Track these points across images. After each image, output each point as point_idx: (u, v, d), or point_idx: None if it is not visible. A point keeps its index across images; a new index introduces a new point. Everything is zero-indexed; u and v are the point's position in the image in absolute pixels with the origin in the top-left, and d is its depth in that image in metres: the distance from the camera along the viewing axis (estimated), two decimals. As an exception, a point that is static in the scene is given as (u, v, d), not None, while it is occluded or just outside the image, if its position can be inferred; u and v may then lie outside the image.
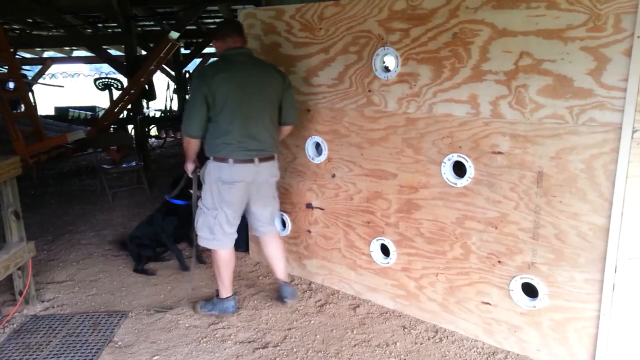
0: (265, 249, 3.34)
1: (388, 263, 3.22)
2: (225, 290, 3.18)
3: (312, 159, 3.50)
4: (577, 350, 2.54)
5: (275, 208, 3.29)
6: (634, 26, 2.14)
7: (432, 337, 2.92)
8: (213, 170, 2.96)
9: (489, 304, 2.81)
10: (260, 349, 2.83)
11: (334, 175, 3.40)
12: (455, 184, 2.82)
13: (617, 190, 2.28)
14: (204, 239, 3.10)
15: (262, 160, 2.98)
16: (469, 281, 2.88)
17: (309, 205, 3.59)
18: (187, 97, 3.62)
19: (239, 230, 4.26)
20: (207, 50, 11.89)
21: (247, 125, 2.91)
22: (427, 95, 2.85)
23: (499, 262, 2.73)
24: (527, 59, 2.45)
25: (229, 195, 2.97)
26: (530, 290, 2.66)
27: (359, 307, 3.29)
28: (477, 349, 2.80)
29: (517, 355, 2.72)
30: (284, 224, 3.79)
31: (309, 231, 3.64)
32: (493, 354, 2.75)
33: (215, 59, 3.11)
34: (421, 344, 2.87)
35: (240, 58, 2.97)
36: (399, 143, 3.03)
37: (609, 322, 2.40)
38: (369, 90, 3.10)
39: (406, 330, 3.00)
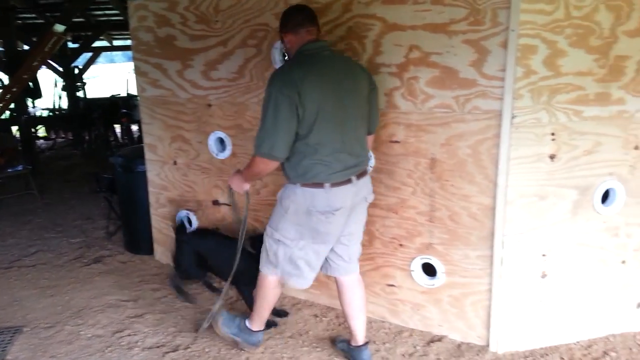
0: (345, 296, 2.61)
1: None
2: (260, 324, 2.71)
3: (217, 154, 3.43)
4: (474, 322, 2.75)
5: (361, 239, 2.66)
6: (508, 20, 2.33)
7: (343, 323, 3.00)
8: (302, 199, 2.35)
9: (394, 286, 2.95)
10: (171, 353, 2.75)
11: (239, 171, 3.36)
12: (358, 173, 2.91)
13: (500, 172, 2.49)
14: (287, 272, 2.53)
15: (359, 176, 2.42)
16: (374, 266, 2.99)
17: (216, 202, 3.53)
18: (268, 108, 2.27)
19: (141, 231, 4.10)
20: (98, 43, 11.21)
21: (343, 139, 2.33)
22: (326, 88, 2.90)
23: (401, 245, 2.87)
24: (417, 52, 2.59)
25: (327, 226, 2.38)
26: (429, 270, 2.83)
27: (270, 300, 3.29)
28: (385, 329, 2.93)
29: (421, 332, 2.88)
30: (189, 222, 3.70)
31: (217, 228, 3.57)
32: (399, 332, 2.89)
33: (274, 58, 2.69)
34: (332, 330, 2.94)
35: (325, 53, 2.37)
36: (302, 135, 3.06)
37: (500, 294, 2.62)
38: (270, 84, 3.09)
39: (318, 318, 3.06)
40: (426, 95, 2.62)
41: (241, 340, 2.72)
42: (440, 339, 2.80)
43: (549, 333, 2.73)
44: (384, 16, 2.63)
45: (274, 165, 2.33)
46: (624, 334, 2.80)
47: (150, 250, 4.02)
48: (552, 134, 2.47)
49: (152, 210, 3.91)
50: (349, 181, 2.36)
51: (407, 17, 2.57)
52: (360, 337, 2.59)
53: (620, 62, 2.49)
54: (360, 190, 2.43)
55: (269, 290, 2.59)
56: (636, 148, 2.61)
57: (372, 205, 2.88)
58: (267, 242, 2.53)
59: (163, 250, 3.92)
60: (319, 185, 2.31)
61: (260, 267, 2.60)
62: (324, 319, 3.06)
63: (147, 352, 2.77)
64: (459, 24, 2.45)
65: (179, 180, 3.68)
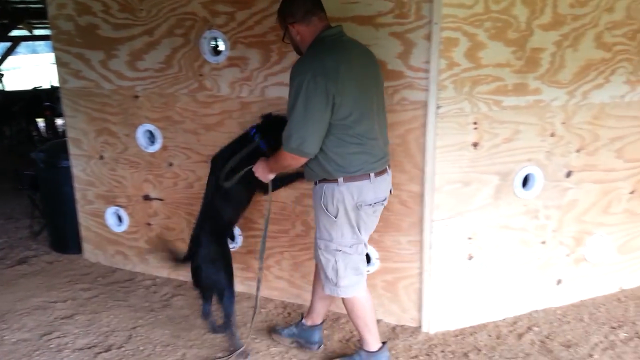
0: None
1: (234, 247, 3.23)
2: (376, 340, 2.44)
3: (146, 148, 3.33)
4: (407, 306, 2.85)
5: None
6: (431, 13, 2.41)
7: (281, 313, 3.03)
8: (349, 196, 2.18)
9: (330, 275, 2.99)
10: (103, 353, 2.67)
11: (171, 164, 3.29)
12: (292, 164, 2.92)
13: (427, 160, 2.58)
14: (350, 287, 2.32)
15: (389, 167, 2.34)
16: (310, 255, 3.01)
17: (147, 197, 3.43)
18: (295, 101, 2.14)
19: (68, 230, 3.92)
20: (16, 32, 10.51)
21: (375, 126, 2.22)
22: (258, 79, 2.89)
23: (336, 234, 2.91)
24: (346, 43, 2.61)
25: (373, 220, 2.30)
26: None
27: (207, 294, 3.26)
28: (322, 317, 2.98)
29: (357, 317, 2.95)
30: (120, 219, 3.58)
31: (149, 224, 3.48)
32: (337, 319, 2.95)
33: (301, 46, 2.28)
34: (271, 321, 2.96)
35: (344, 39, 2.22)
36: (236, 127, 3.02)
37: (430, 277, 2.73)
38: (200, 75, 3.03)
39: (255, 310, 3.06)
40: (356, 86, 2.66)
41: None
42: (378, 322, 2.88)
43: (477, 312, 2.87)
44: (313, 7, 2.64)
45: (303, 160, 2.18)
46: (546, 310, 2.99)
47: (78, 249, 3.85)
48: (475, 123, 2.58)
49: (79, 208, 3.74)
50: (385, 171, 2.28)
51: (335, 9, 2.58)
52: (377, 342, 2.46)
53: (536, 54, 2.63)
54: (390, 183, 2.35)
55: (361, 306, 2.36)
56: (552, 135, 2.78)
57: (307, 195, 2.92)
58: (322, 257, 2.31)
59: (92, 249, 3.77)
60: (365, 176, 2.19)
61: (335, 293, 2.35)
62: (262, 310, 3.06)
63: (78, 353, 2.68)
64: (386, 17, 2.50)
65: (106, 176, 3.54)
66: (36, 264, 3.78)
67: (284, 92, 2.80)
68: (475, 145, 2.62)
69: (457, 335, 2.77)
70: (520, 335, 2.76)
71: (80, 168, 3.65)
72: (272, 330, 2.81)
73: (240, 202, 2.75)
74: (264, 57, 2.83)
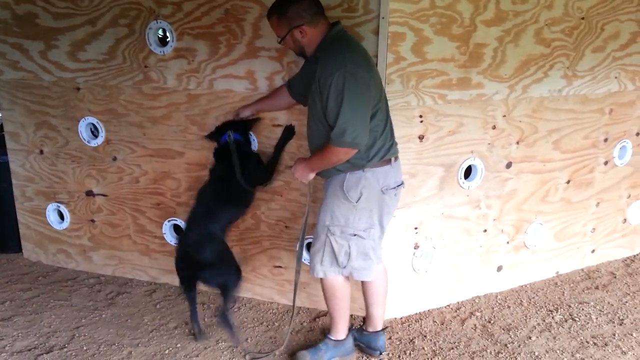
0: (374, 284, 2.53)
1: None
2: (345, 328, 2.52)
3: (88, 142, 3.21)
4: (356, 295, 2.85)
5: None
6: (379, 8, 2.44)
7: (231, 308, 3.01)
8: (374, 182, 2.26)
9: (281, 267, 3.00)
10: (44, 355, 2.57)
11: (115, 158, 3.19)
12: (241, 157, 2.90)
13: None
14: (356, 269, 2.37)
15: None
16: (261, 248, 3.02)
17: (90, 193, 3.31)
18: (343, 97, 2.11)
19: (6, 228, 3.75)
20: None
21: (388, 112, 2.34)
22: (206, 71, 2.84)
23: (286, 227, 2.92)
24: (295, 36, 2.61)
25: (394, 202, 2.37)
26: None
27: (155, 292, 3.19)
28: (273, 310, 2.99)
29: (308, 309, 2.98)
30: (61, 216, 3.44)
31: (92, 220, 3.37)
32: (287, 311, 2.96)
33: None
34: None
35: (349, 34, 2.31)
36: (183, 120, 2.97)
37: (378, 267, 2.78)
38: (146, 66, 2.95)
39: (205, 306, 3.03)
40: (306, 79, 2.66)
41: (339, 357, 2.51)
42: (325, 313, 2.90)
43: (422, 299, 2.96)
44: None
45: (354, 153, 2.17)
46: (487, 295, 3.12)
47: (18, 248, 3.68)
48: (420, 117, 2.65)
49: (18, 205, 3.57)
50: (397, 157, 2.37)
51: (284, 1, 2.58)
52: (380, 323, 2.57)
53: (479, 50, 2.73)
54: None
55: (342, 291, 2.43)
56: (494, 128, 2.89)
57: (258, 188, 2.90)
58: (334, 242, 2.32)
59: (32, 248, 3.61)
60: (387, 161, 2.28)
61: (318, 273, 2.39)
62: (211, 305, 3.03)
63: (17, 356, 2.56)
64: (335, 10, 2.52)
65: (46, 171, 3.39)
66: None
67: (232, 85, 2.80)
68: (421, 138, 2.68)
69: (403, 323, 2.84)
70: (463, 321, 2.87)
71: (18, 163, 3.47)
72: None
73: (247, 202, 2.77)
74: (212, 48, 2.79)
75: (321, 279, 2.42)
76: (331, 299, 2.45)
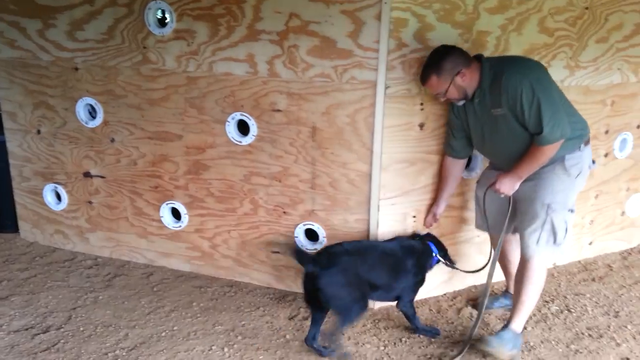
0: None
1: (180, 226, 3.18)
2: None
3: (86, 123, 3.19)
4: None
5: None
6: (382, -8, 2.41)
7: (228, 292, 3.01)
8: (587, 157, 2.46)
9: (278, 253, 3.00)
10: (41, 334, 2.57)
11: (113, 140, 3.17)
12: (241, 142, 2.89)
13: (375, 140, 2.61)
14: (565, 248, 2.50)
15: None
16: (259, 234, 3.02)
17: (87, 174, 3.30)
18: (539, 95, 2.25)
19: (3, 208, 3.74)
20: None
21: None
22: (206, 54, 2.81)
23: (284, 212, 2.91)
24: (296, 20, 2.59)
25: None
26: (312, 235, 2.92)
27: (152, 274, 3.20)
28: (270, 295, 2.99)
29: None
30: (58, 197, 3.43)
31: (90, 202, 3.36)
32: (284, 297, 2.96)
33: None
34: (217, 299, 2.94)
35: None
36: (182, 103, 2.95)
37: (376, 254, 2.78)
38: (144, 47, 2.92)
39: (202, 289, 3.04)
40: (307, 64, 2.64)
41: (516, 351, 2.43)
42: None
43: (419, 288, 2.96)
44: (263, -19, 2.59)
45: (560, 145, 2.31)
46: (483, 285, 3.12)
47: (15, 228, 3.68)
48: (422, 104, 2.63)
49: (15, 185, 3.56)
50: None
51: (287, -16, 2.55)
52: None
53: (482, 37, 2.69)
54: None
55: (545, 275, 2.46)
56: (494, 117, 2.87)
57: (256, 174, 2.90)
58: (555, 219, 2.39)
59: (29, 228, 3.61)
60: (588, 142, 2.49)
61: (531, 254, 2.42)
62: (208, 289, 3.04)
63: (14, 335, 2.57)
64: (337, -6, 2.49)
65: (43, 151, 3.37)
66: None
67: (232, 68, 2.78)
68: (421, 126, 2.67)
69: (399, 311, 2.84)
70: (459, 310, 2.88)
71: (16, 143, 3.45)
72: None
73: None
74: (212, 30, 2.75)
75: (525, 262, 2.44)
76: (529, 285, 2.43)
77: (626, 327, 2.74)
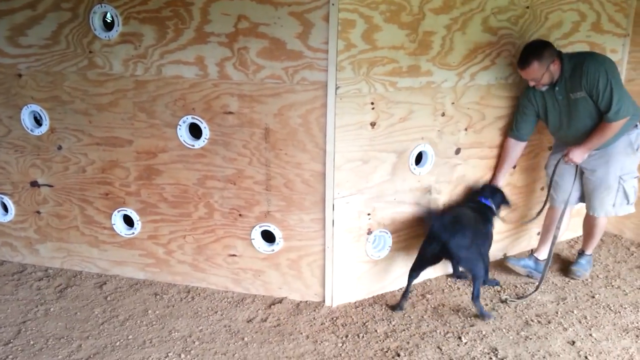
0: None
1: (133, 233, 3.12)
2: None
3: (31, 130, 3.09)
4: (311, 282, 2.92)
5: None
6: (329, -6, 2.44)
7: (185, 298, 2.98)
8: None
9: (235, 256, 2.99)
10: (-12, 352, 2.48)
11: (60, 147, 3.08)
12: (193, 145, 2.86)
13: (328, 139, 2.64)
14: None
15: None
16: (215, 238, 3.00)
17: (35, 184, 3.19)
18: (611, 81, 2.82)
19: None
20: None
21: None
22: (154, 57, 2.78)
23: (240, 215, 2.90)
24: (245, 22, 2.59)
25: None
26: (268, 237, 2.92)
27: (105, 284, 3.12)
28: (228, 298, 2.97)
29: (263, 296, 2.98)
30: (5, 208, 3.30)
31: (38, 212, 3.25)
32: (242, 300, 2.95)
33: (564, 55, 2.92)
34: (173, 306, 2.89)
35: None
36: (131, 107, 2.90)
37: (332, 253, 2.81)
38: (90, 52, 2.86)
39: (158, 296, 2.99)
40: (257, 66, 2.65)
41: (590, 269, 3.30)
42: (280, 300, 2.93)
43: (375, 284, 3.01)
44: (209, -17, 2.58)
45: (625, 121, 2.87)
46: (437, 278, 3.20)
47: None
48: (372, 103, 2.68)
49: (-43, 197, 3.41)
50: None
51: (234, -14, 2.55)
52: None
53: (428, 38, 2.77)
54: None
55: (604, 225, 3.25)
56: (443, 115, 2.95)
57: (210, 177, 2.89)
58: (627, 187, 3.05)
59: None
60: None
61: (609, 213, 3.12)
62: (164, 296, 2.99)
63: (-43, 355, 2.46)
64: (285, -4, 2.50)
65: (-13, 161, 3.25)
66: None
67: (182, 71, 2.75)
68: (373, 124, 2.71)
69: (357, 307, 2.89)
70: (414, 304, 2.94)
71: (-45, 153, 3.31)
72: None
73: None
74: (160, 33, 2.72)
75: (596, 218, 3.15)
76: (598, 232, 3.23)
77: (572, 312, 2.86)
